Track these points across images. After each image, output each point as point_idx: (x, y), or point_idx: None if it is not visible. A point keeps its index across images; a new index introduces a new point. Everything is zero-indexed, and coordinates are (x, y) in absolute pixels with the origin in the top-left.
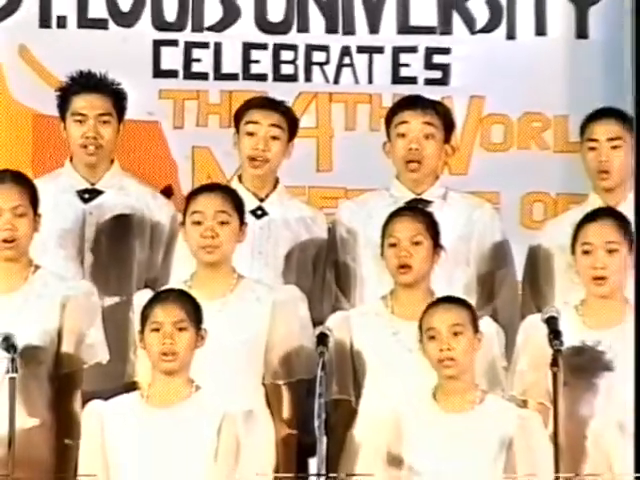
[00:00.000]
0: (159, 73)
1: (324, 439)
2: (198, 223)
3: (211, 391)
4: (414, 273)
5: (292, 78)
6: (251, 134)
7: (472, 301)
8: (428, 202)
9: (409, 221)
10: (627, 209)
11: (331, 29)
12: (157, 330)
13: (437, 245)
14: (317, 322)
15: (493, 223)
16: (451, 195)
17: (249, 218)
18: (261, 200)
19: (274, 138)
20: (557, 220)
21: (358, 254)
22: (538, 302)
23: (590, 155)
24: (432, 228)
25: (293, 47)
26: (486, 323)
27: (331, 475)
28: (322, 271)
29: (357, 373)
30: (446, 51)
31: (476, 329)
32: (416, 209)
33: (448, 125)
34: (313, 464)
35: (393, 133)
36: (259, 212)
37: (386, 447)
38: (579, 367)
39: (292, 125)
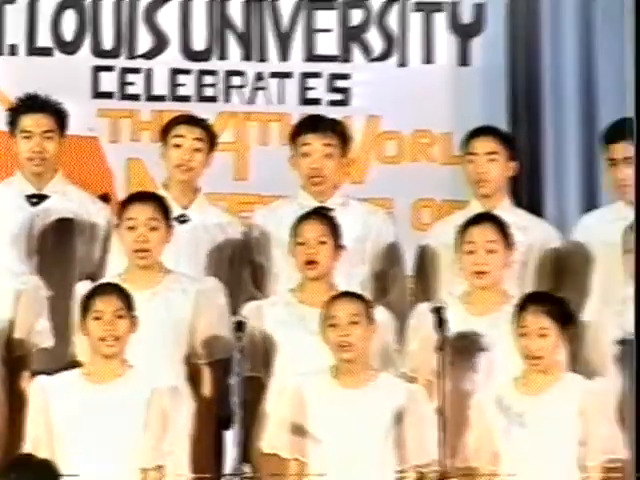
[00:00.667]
0: (98, 94)
1: (240, 413)
2: (131, 229)
3: (142, 370)
4: (319, 268)
5: (213, 99)
6: (178, 146)
7: (368, 295)
8: (330, 209)
9: (315, 223)
10: (502, 213)
11: (247, 57)
12: (98, 318)
13: (339, 245)
14: (234, 312)
15: (386, 227)
16: (350, 202)
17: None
18: (184, 208)
19: (197, 150)
20: (442, 222)
21: (270, 254)
22: (427, 294)
23: (470, 167)
24: (334, 230)
25: (214, 72)
26: (380, 312)
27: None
28: (237, 268)
29: (268, 354)
30: (346, 76)
31: (371, 320)
32: (321, 213)
33: (345, 141)
34: (229, 435)
35: (298, 152)
36: (182, 219)
37: (291, 418)
38: (463, 348)
39: (212, 139)
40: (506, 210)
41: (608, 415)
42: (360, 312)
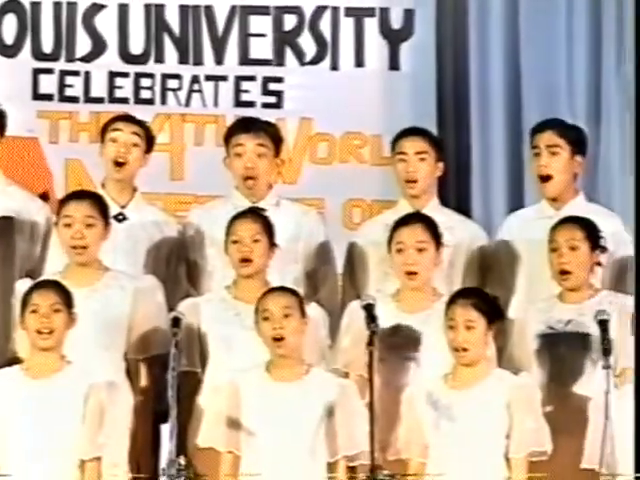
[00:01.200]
0: (37, 96)
1: (176, 407)
2: (68, 226)
3: (80, 365)
4: (254, 266)
5: (150, 102)
6: (114, 140)
7: (301, 292)
8: (263, 209)
9: (249, 222)
10: (431, 212)
11: (183, 60)
12: (35, 312)
13: (272, 243)
14: (171, 308)
15: (318, 227)
16: (283, 203)
17: (111, 222)
18: (122, 207)
19: (134, 145)
20: (372, 221)
21: (205, 252)
22: (356, 290)
23: (400, 166)
24: (268, 229)
25: (151, 75)
26: (313, 309)
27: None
28: (174, 266)
29: (204, 349)
30: (280, 80)
31: (303, 313)
32: (255, 213)
33: (278, 142)
34: (166, 429)
35: (231, 152)
36: (120, 217)
37: (226, 412)
38: (393, 344)
39: (149, 138)
40: (434, 210)
41: (533, 409)
42: (292, 305)
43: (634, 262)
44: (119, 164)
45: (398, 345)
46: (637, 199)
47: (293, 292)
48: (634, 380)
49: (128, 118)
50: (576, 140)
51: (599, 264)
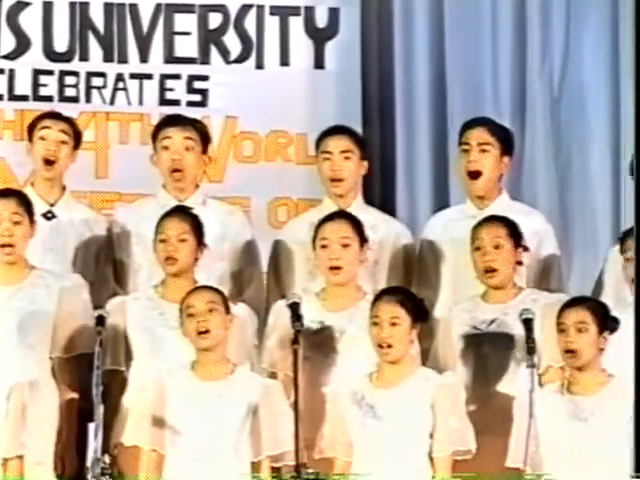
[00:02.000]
0: None
1: (101, 406)
2: None
3: (3, 364)
4: (179, 265)
5: (74, 99)
6: (43, 138)
7: (226, 292)
8: (190, 208)
9: (177, 221)
10: (355, 211)
11: (108, 58)
12: None
13: (201, 243)
14: (98, 306)
15: (244, 227)
16: (209, 202)
17: (40, 220)
18: (51, 205)
19: (63, 142)
20: (297, 220)
21: (131, 251)
22: (282, 289)
23: (325, 165)
24: (197, 228)
25: (75, 73)
26: (241, 308)
27: None
28: (102, 264)
29: (129, 347)
30: (205, 78)
31: (227, 311)
32: (184, 212)
33: (205, 139)
34: (91, 428)
35: (159, 146)
36: (49, 215)
37: (151, 411)
38: (319, 343)
39: (77, 135)
40: (359, 208)
41: (457, 408)
42: (216, 301)
43: (634, 262)
44: (49, 162)
45: (323, 344)
46: (637, 199)
47: (216, 290)
48: (634, 380)
49: (56, 115)
50: (505, 140)
51: (521, 263)
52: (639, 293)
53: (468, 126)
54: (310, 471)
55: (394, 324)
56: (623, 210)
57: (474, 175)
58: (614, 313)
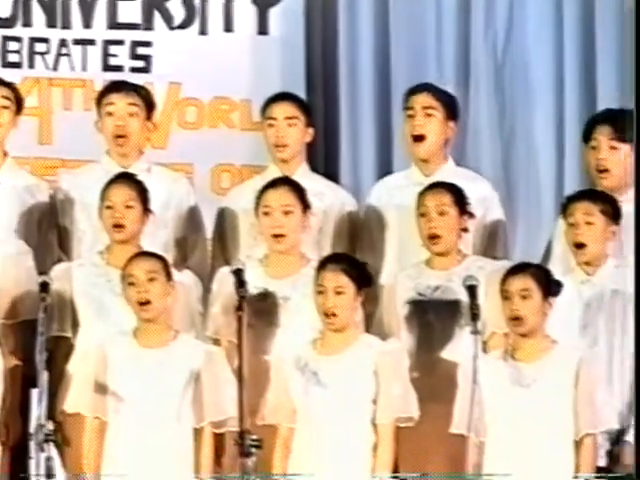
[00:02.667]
0: None
1: (45, 372)
2: None
3: None
4: (126, 232)
5: (17, 65)
6: None
7: (170, 259)
8: (134, 175)
9: (123, 188)
10: (300, 178)
11: (51, 24)
12: None
13: (146, 209)
14: (42, 273)
15: (188, 194)
16: (154, 169)
17: None
18: None
19: (4, 108)
20: (241, 187)
21: (75, 217)
22: (226, 256)
23: (269, 132)
24: (142, 195)
25: (18, 39)
26: (185, 275)
27: None
28: (45, 231)
29: (76, 314)
30: (148, 44)
31: (169, 278)
32: (130, 178)
33: (149, 105)
34: (35, 394)
35: (102, 112)
36: None
37: (93, 378)
38: (262, 310)
39: (19, 101)
40: (304, 175)
41: (400, 375)
42: (157, 269)
43: (634, 262)
44: None
45: (266, 311)
46: (637, 199)
47: (158, 257)
48: (634, 379)
49: None
50: (449, 104)
51: (466, 230)
52: (639, 283)
53: (412, 91)
54: (253, 437)
55: (339, 293)
56: (567, 176)
57: (419, 139)
58: (560, 279)
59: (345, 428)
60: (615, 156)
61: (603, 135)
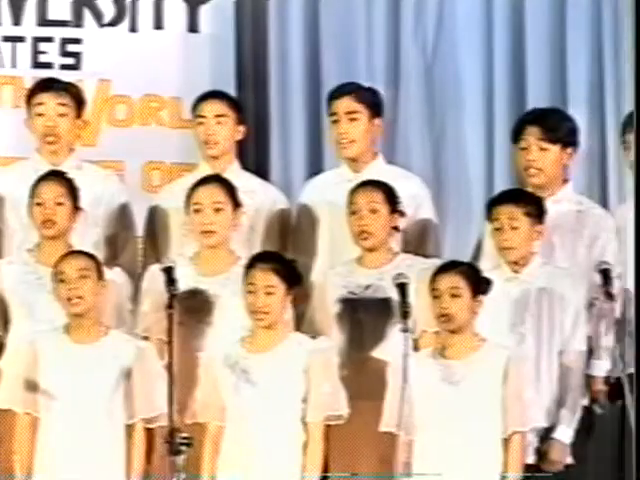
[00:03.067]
0: None
1: None
2: None
3: None
4: (56, 228)
5: None
6: None
7: (101, 256)
8: (64, 173)
9: (53, 185)
10: (231, 176)
11: None
12: None
13: (76, 207)
14: None
15: (119, 192)
16: (84, 166)
17: None
18: None
19: None
20: (172, 185)
21: (5, 216)
22: (157, 254)
23: (200, 129)
24: (72, 192)
25: None
26: (116, 273)
27: None
28: None
29: (6, 312)
30: (78, 41)
31: (101, 276)
32: (59, 175)
33: (79, 103)
34: None
35: (32, 112)
36: None
37: (24, 374)
38: (192, 308)
39: None
40: (235, 173)
41: (330, 373)
42: (89, 267)
43: (634, 262)
44: None
45: (196, 308)
46: (637, 198)
47: (90, 255)
48: (635, 379)
49: None
50: (374, 103)
51: (397, 228)
52: (639, 284)
53: (334, 96)
54: (183, 435)
55: (269, 293)
56: (496, 175)
57: (346, 145)
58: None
59: (275, 426)
60: (545, 157)
61: (532, 136)
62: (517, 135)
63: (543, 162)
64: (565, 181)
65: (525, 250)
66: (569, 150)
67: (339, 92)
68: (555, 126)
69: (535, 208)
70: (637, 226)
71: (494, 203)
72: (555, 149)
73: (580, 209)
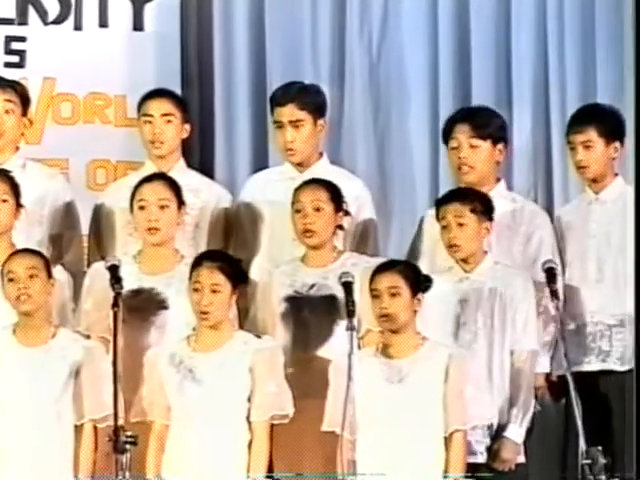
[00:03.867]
0: None
1: None
2: None
3: None
4: None
5: None
6: None
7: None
8: (9, 171)
9: None
10: (176, 174)
11: None
12: None
13: (19, 205)
14: None
15: (64, 190)
16: (29, 164)
17: None
18: None
19: None
20: (117, 183)
21: None
22: (102, 252)
23: (146, 128)
24: (14, 189)
25: None
26: (58, 272)
27: None
28: None
29: None
30: (22, 39)
31: (49, 275)
32: (2, 173)
33: (25, 101)
34: None
35: None
36: None
37: None
38: (137, 306)
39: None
40: (180, 171)
41: (275, 372)
42: (38, 266)
43: (634, 262)
44: None
45: (141, 307)
46: (637, 198)
47: (38, 254)
48: (634, 377)
49: None
50: (317, 105)
51: (341, 228)
52: (639, 282)
53: (277, 103)
54: (129, 434)
55: (215, 291)
56: (441, 173)
57: (291, 153)
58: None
59: (220, 425)
60: (476, 154)
61: (462, 133)
62: (447, 135)
63: (475, 159)
64: (498, 179)
65: (473, 248)
66: (500, 146)
67: (282, 99)
68: (484, 122)
69: (481, 205)
70: (637, 226)
71: (441, 202)
72: (486, 145)
73: (515, 207)
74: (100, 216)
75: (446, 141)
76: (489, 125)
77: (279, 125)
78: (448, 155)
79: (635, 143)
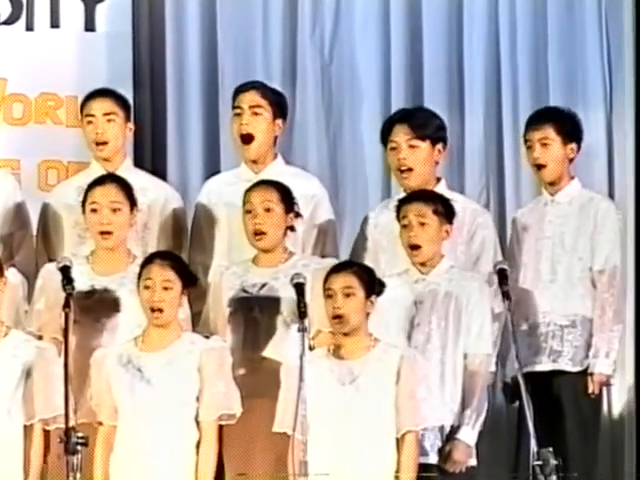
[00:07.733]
0: None
1: None
2: None
3: None
4: None
5: None
6: None
7: None
8: None
9: None
10: (124, 174)
11: None
12: None
13: None
14: None
15: (14, 190)
16: None
17: None
18: None
19: None
20: (65, 184)
21: None
22: (50, 253)
23: (89, 128)
24: None
25: None
26: (11, 273)
27: None
28: None
29: None
30: None
31: (1, 274)
32: None
33: None
34: None
35: None
36: None
37: None
38: (89, 307)
39: None
40: (127, 171)
41: (223, 372)
42: None
43: (634, 262)
44: None
45: (93, 308)
46: (637, 198)
47: None
48: (634, 379)
49: None
50: (278, 103)
51: (293, 229)
52: (639, 285)
53: (240, 90)
54: (79, 435)
55: (166, 288)
56: (393, 176)
57: (247, 139)
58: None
59: (168, 425)
60: (415, 154)
61: (401, 134)
62: (386, 136)
63: (414, 160)
64: (438, 179)
65: (433, 250)
66: (439, 146)
67: (245, 86)
68: (422, 123)
69: (443, 207)
70: (637, 226)
71: (403, 202)
72: (424, 146)
73: (456, 207)
74: (47, 216)
75: (385, 142)
76: (428, 125)
77: (238, 112)
78: (388, 156)
79: (635, 143)
